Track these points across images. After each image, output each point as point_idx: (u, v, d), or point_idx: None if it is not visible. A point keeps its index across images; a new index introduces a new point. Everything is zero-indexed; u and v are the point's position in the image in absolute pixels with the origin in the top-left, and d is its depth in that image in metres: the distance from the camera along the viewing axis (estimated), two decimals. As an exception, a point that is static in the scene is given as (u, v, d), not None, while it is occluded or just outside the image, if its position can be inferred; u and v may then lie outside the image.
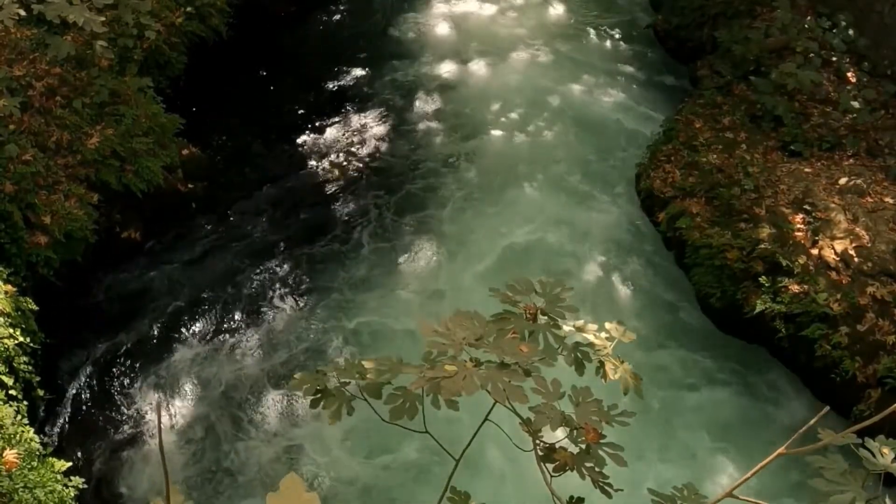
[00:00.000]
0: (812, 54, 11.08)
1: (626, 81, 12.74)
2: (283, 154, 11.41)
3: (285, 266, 9.85)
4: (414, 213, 10.57)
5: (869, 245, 8.91)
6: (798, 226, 9.23)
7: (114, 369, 8.68)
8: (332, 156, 11.38)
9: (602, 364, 3.16)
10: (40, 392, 7.65)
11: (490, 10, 14.24)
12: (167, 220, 10.08)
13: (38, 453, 6.58)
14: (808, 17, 11.59)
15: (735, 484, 2.61)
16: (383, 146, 11.56)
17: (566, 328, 3.14)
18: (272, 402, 8.49)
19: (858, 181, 9.64)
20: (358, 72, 12.81)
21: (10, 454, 6.04)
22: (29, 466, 6.28)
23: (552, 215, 10.55)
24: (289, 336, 9.11)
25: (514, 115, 12.07)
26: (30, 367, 7.53)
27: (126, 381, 8.59)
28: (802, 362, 8.67)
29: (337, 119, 11.94)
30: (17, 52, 9.85)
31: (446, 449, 3.14)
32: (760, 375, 8.96)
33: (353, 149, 11.49)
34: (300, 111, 12.05)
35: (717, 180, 9.92)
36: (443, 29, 13.81)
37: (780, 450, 2.67)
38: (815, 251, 8.97)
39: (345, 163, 11.30)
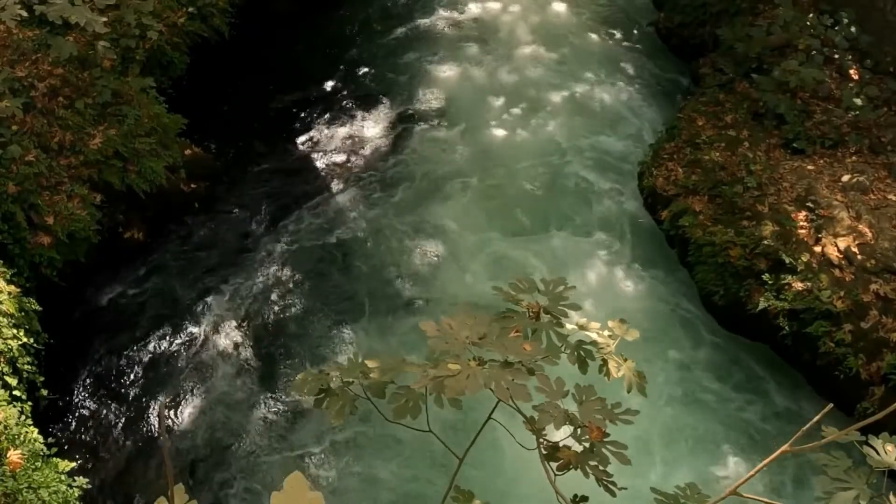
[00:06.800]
0: (814, 51, 11.06)
1: (628, 79, 12.73)
2: (286, 153, 11.41)
3: (287, 265, 9.85)
4: (417, 209, 10.56)
5: (872, 242, 8.89)
6: (801, 223, 9.22)
7: (117, 369, 8.69)
8: (335, 154, 11.39)
9: (605, 362, 3.16)
10: (44, 392, 7.66)
11: (491, 8, 14.23)
12: (170, 220, 10.09)
13: (42, 454, 6.60)
14: (811, 15, 11.57)
15: (738, 482, 2.61)
16: (386, 143, 11.56)
17: (569, 326, 3.14)
18: (275, 401, 8.50)
19: (861, 178, 9.62)
20: (360, 70, 12.81)
21: (15, 454, 6.06)
22: (33, 467, 6.29)
23: (553, 212, 10.55)
24: (291, 336, 9.11)
25: (516, 113, 12.06)
26: (33, 368, 7.55)
27: (130, 382, 8.61)
28: (806, 360, 8.66)
29: (339, 117, 11.95)
30: (19, 52, 9.87)
31: (450, 448, 3.14)
32: (763, 373, 8.95)
33: (355, 146, 11.49)
34: (302, 110, 12.05)
35: (720, 178, 9.90)
36: (444, 28, 13.80)
37: (784, 447, 2.67)
38: (818, 248, 8.95)
39: (347, 160, 11.30)
